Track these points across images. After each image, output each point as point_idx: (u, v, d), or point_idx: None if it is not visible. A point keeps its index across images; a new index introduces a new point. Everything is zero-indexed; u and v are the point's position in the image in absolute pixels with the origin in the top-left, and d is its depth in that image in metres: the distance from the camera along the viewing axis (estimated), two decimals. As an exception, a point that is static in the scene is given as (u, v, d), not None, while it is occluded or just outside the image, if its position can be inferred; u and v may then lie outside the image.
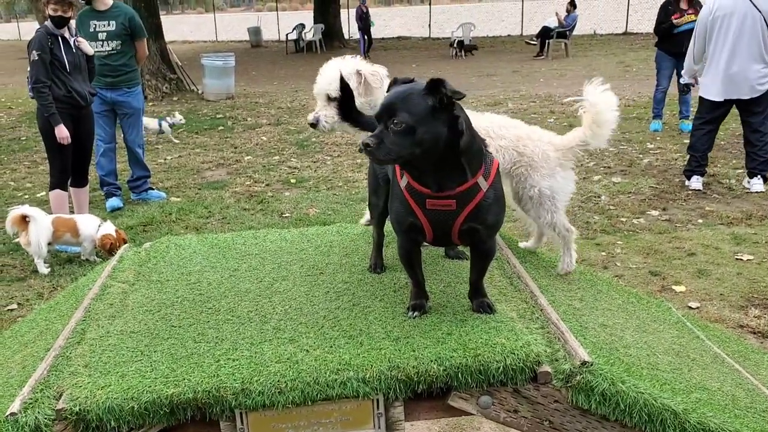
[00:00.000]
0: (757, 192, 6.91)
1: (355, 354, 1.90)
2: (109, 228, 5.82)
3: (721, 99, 6.91)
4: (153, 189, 7.88)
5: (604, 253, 5.60)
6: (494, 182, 2.06)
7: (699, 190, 7.11)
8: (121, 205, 7.43)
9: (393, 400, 1.85)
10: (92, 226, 5.80)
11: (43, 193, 7.98)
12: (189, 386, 1.80)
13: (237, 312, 2.22)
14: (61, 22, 5.89)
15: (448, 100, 1.90)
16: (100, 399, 1.77)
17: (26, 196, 8.07)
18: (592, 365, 1.84)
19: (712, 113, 7.06)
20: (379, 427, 1.86)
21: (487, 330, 1.98)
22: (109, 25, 7.03)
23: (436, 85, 1.91)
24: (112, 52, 7.14)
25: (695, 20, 8.98)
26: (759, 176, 6.97)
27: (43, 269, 5.69)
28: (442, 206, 2.01)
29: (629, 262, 5.44)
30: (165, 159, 9.69)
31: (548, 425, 1.87)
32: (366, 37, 23.03)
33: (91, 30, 6.94)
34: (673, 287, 4.95)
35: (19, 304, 5.19)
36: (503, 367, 1.82)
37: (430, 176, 1.99)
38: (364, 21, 22.60)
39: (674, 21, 9.16)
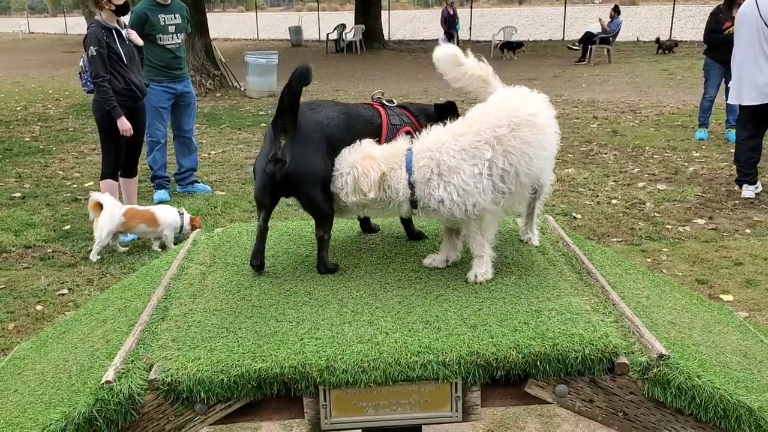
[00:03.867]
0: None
1: (434, 338, 1.95)
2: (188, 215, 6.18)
3: (737, 103, 7.15)
4: (198, 182, 8.02)
5: (649, 260, 5.58)
6: None
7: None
8: (169, 198, 7.58)
9: (471, 385, 1.89)
10: (172, 215, 6.06)
11: (91, 183, 8.17)
12: (276, 362, 1.86)
13: (314, 295, 2.29)
14: (126, 9, 6.03)
15: None
16: (191, 371, 1.84)
17: (74, 186, 8.27)
18: (668, 358, 1.86)
19: (742, 117, 7.20)
20: (456, 411, 1.91)
21: (563, 321, 2.01)
22: (175, 18, 7.19)
23: None
24: (180, 44, 7.31)
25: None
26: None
27: (94, 257, 5.84)
28: None
29: (675, 269, 5.41)
30: (209, 154, 9.85)
31: (622, 416, 1.90)
32: (450, 41, 21.60)
33: (162, 24, 7.09)
34: (721, 296, 4.92)
35: (69, 289, 5.33)
36: (581, 357, 1.86)
37: None
38: (449, 24, 21.07)
39: (727, 30, 9.07)
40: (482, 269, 2.41)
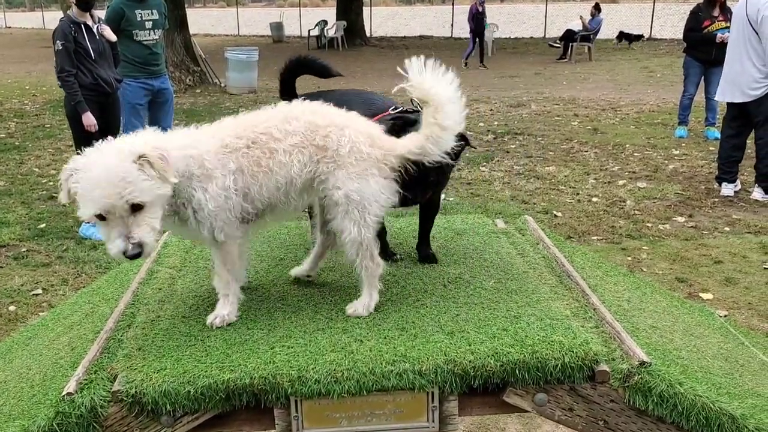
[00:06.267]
0: (755, 200, 6.99)
1: (410, 346, 1.89)
2: None
3: (722, 100, 7.21)
4: (177, 180, 7.93)
5: (630, 258, 5.56)
6: None
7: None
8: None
9: (448, 394, 1.84)
10: None
11: (68, 180, 8.03)
12: (245, 372, 1.79)
13: (287, 300, 2.22)
14: (86, 5, 5.91)
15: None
16: (156, 382, 1.77)
17: (50, 183, 8.12)
18: (650, 365, 1.82)
19: (728, 114, 7.24)
20: (433, 421, 1.85)
21: (542, 327, 1.97)
22: (152, 14, 7.08)
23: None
24: (157, 40, 7.21)
25: (726, 27, 8.95)
26: (759, 186, 7.06)
27: None
28: None
29: (655, 267, 5.40)
30: (188, 150, 9.72)
31: (603, 425, 1.86)
32: (477, 40, 19.64)
33: (138, 19, 6.98)
34: (701, 294, 4.91)
35: (44, 289, 5.22)
36: (561, 364, 1.81)
37: None
38: (477, 22, 19.33)
39: (707, 29, 9.09)
40: (225, 310, 2.13)
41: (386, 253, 2.58)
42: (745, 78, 6.80)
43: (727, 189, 7.17)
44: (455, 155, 2.23)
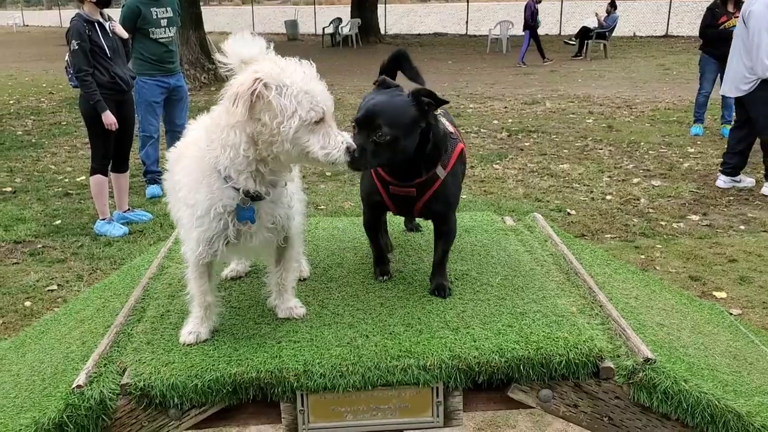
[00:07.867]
0: (763, 195, 7.06)
1: (415, 342, 1.91)
2: None
3: (725, 95, 7.60)
4: (191, 177, 7.95)
5: (643, 257, 5.54)
6: (453, 167, 2.24)
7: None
8: (162, 193, 7.51)
9: (452, 390, 1.85)
10: None
11: (83, 177, 8.10)
12: (252, 366, 1.82)
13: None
14: (105, 2, 5.94)
15: (431, 109, 2.09)
16: (165, 375, 1.80)
17: (66, 180, 8.20)
18: (655, 362, 1.82)
19: (735, 107, 7.42)
20: (438, 416, 1.87)
21: (548, 324, 1.97)
22: (167, 11, 7.12)
23: (421, 96, 2.07)
24: (172, 37, 7.25)
25: (742, 23, 8.87)
26: None
27: None
28: (404, 192, 2.22)
29: (669, 266, 5.37)
30: (203, 148, 9.76)
31: (608, 421, 1.86)
32: (531, 38, 19.63)
33: (154, 17, 7.02)
34: (714, 293, 4.88)
35: (59, 285, 5.27)
36: (566, 361, 1.82)
37: (394, 170, 2.18)
38: (534, 17, 19.42)
39: (723, 25, 9.01)
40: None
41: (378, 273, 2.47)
42: (737, 73, 6.99)
43: (722, 180, 7.34)
44: (423, 112, 2.10)
